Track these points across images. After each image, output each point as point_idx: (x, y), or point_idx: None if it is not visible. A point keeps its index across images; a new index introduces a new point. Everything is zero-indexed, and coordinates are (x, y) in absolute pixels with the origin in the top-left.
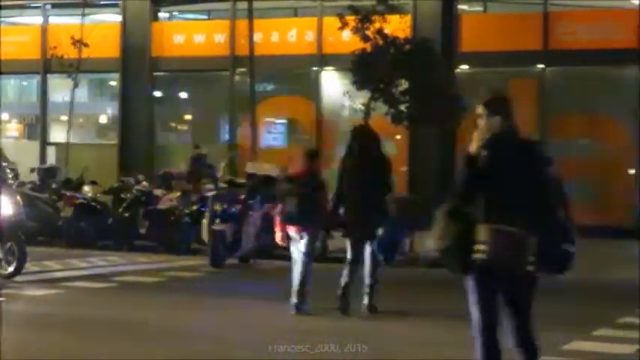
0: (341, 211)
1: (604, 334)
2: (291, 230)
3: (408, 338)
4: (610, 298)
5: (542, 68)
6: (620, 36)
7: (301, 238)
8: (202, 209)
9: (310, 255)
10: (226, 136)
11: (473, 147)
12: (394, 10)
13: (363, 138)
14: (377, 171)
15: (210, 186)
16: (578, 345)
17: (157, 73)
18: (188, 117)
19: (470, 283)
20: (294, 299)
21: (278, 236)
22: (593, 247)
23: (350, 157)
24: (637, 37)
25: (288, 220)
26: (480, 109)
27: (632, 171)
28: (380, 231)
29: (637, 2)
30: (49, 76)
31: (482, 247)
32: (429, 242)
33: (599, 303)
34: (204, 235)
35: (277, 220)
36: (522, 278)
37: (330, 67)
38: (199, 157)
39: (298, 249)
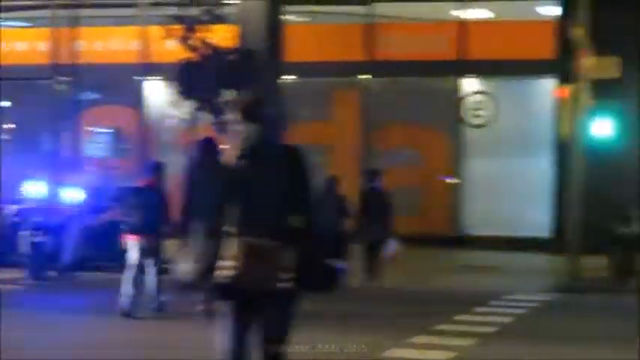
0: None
1: (421, 342)
2: (133, 240)
3: None
4: (428, 306)
5: (367, 79)
6: (441, 48)
7: (143, 247)
8: (21, 221)
9: (160, 262)
10: (49, 146)
11: (229, 156)
12: (220, 19)
13: (211, 150)
14: None
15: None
16: (396, 352)
17: None
18: (10, 126)
19: (220, 305)
20: (126, 304)
21: (124, 244)
22: (414, 256)
23: (198, 170)
24: (457, 48)
25: (131, 230)
26: (235, 116)
27: (452, 180)
28: None
29: (456, 14)
30: None
31: (231, 263)
32: (184, 265)
33: (417, 310)
34: (23, 248)
35: (122, 229)
36: (277, 297)
37: (156, 77)
38: None
39: (139, 258)
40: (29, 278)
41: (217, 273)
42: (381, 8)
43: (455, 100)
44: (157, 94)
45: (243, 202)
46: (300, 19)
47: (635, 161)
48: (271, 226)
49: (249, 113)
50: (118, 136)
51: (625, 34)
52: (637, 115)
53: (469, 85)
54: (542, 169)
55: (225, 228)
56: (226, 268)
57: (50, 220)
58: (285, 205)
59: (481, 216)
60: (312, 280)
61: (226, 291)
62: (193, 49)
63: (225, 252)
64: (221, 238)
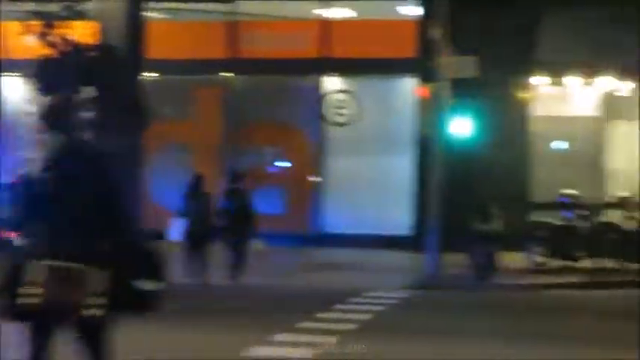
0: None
1: (284, 339)
2: (12, 237)
3: None
4: (290, 304)
5: (230, 77)
6: (304, 46)
7: None
8: None
9: None
10: None
11: (33, 167)
12: (80, 15)
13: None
14: None
15: None
16: (257, 350)
17: None
18: None
19: (21, 329)
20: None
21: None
22: (277, 254)
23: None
24: (319, 47)
25: (15, 226)
26: (38, 124)
27: (315, 179)
28: None
29: (319, 13)
30: None
31: (35, 288)
32: None
33: (279, 308)
34: None
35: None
36: (86, 323)
37: (13, 73)
38: None
39: None
40: None
41: (21, 297)
42: (244, 6)
43: (317, 98)
44: (15, 90)
45: (46, 220)
46: (162, 15)
47: (493, 159)
48: (78, 247)
49: (52, 120)
50: None
51: (483, 34)
52: (495, 114)
53: (331, 83)
54: (403, 167)
55: (29, 247)
56: (31, 292)
57: None
58: (94, 224)
59: (343, 214)
60: (124, 304)
61: (30, 316)
62: (52, 45)
63: (30, 274)
64: (23, 256)
